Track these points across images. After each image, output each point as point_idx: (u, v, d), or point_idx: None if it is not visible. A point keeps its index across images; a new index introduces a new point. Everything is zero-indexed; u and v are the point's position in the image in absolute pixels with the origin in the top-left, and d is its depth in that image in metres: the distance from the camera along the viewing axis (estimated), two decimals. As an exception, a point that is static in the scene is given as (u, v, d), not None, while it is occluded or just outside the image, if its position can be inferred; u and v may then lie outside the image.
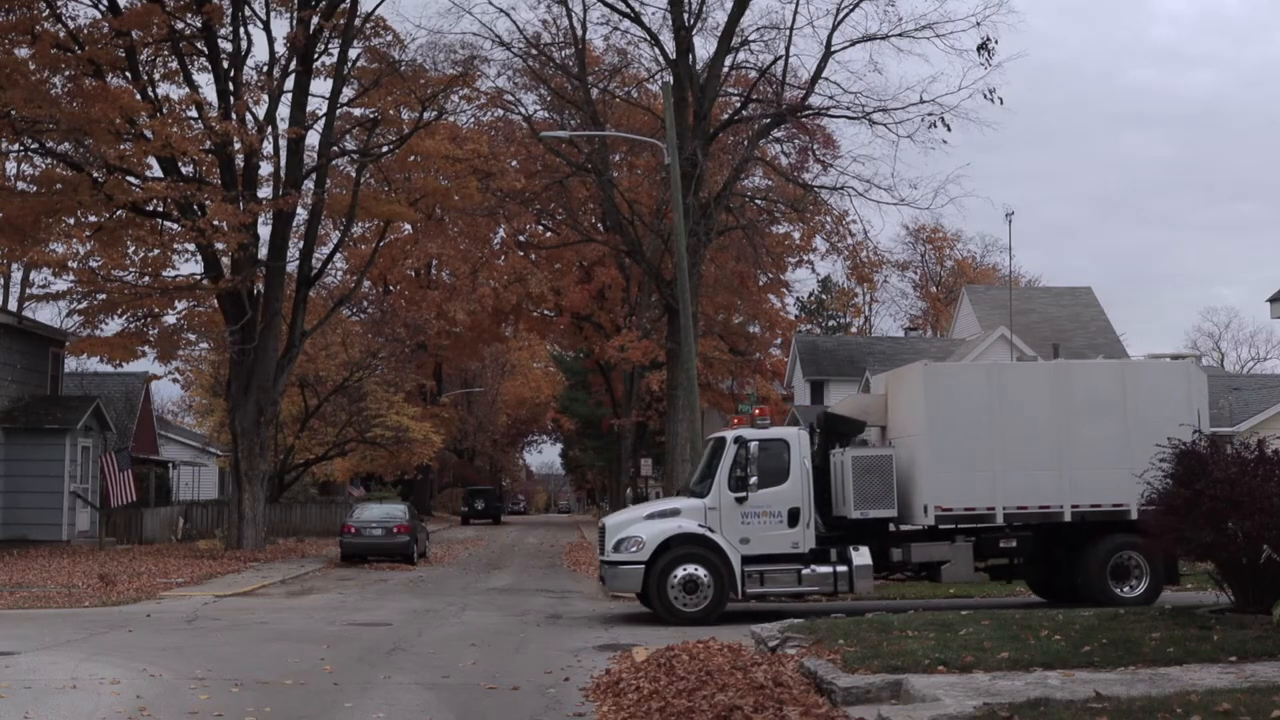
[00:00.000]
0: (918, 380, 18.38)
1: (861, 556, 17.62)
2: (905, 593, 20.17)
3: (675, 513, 17.97)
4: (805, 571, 17.54)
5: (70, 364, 40.94)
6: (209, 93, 31.60)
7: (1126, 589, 17.85)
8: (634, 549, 17.51)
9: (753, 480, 17.59)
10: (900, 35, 35.58)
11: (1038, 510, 17.86)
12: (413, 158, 36.82)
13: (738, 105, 40.44)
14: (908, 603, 18.66)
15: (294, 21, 31.10)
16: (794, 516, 17.64)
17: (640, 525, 17.85)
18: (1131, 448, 17.26)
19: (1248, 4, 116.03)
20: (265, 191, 32.53)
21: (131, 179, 30.06)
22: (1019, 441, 17.78)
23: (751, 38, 38.14)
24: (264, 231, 32.66)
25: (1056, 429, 17.89)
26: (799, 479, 17.78)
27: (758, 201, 46.13)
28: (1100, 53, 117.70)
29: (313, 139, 32.58)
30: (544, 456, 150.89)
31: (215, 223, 29.36)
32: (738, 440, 17.95)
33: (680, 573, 17.28)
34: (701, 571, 17.32)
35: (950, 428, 17.81)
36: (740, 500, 17.63)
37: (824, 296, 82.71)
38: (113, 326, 31.95)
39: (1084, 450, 17.81)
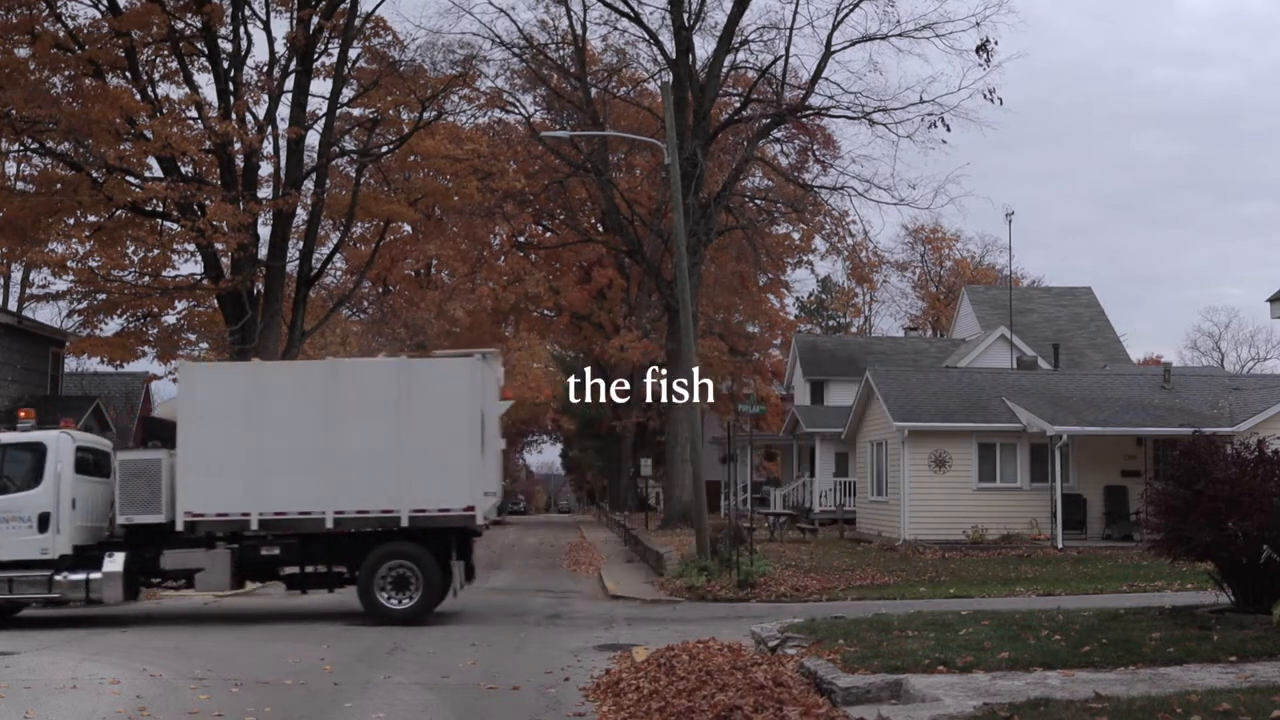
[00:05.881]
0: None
1: (113, 564, 17.14)
2: (906, 594, 20.15)
3: None
4: (57, 578, 17.02)
5: (70, 364, 40.95)
6: (209, 93, 31.63)
7: (404, 600, 17.26)
8: None
9: None
10: (900, 35, 35.77)
11: (297, 517, 17.24)
12: (412, 158, 36.82)
13: (738, 105, 40.48)
14: (907, 604, 18.63)
15: (294, 21, 31.09)
16: (45, 522, 17.18)
17: None
18: (406, 451, 16.92)
19: (1272, 2, 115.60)
20: (265, 191, 32.53)
21: (131, 179, 30.05)
22: (280, 445, 17.11)
23: (751, 38, 38.25)
24: (264, 231, 32.68)
25: (323, 432, 17.16)
26: (52, 484, 17.27)
27: (758, 201, 46.21)
28: (1118, 53, 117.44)
29: (313, 139, 32.59)
30: (544, 456, 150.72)
31: (215, 223, 29.36)
32: None
33: None
34: None
35: (203, 431, 17.22)
36: None
37: (824, 296, 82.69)
38: (113, 326, 32.01)
39: (352, 454, 17.10)
